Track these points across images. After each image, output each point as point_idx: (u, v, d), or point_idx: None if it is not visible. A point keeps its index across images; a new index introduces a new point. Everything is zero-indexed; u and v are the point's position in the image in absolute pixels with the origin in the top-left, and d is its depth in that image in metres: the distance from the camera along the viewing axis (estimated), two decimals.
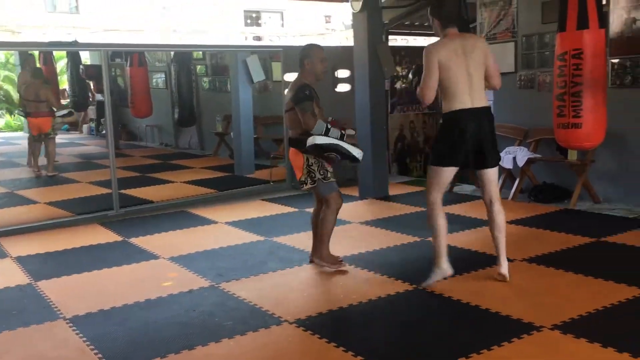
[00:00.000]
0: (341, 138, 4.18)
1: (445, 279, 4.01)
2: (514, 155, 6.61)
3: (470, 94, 3.84)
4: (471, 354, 3.01)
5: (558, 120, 4.99)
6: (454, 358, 2.98)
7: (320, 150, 4.17)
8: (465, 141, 3.83)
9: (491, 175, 3.99)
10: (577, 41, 4.81)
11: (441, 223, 3.95)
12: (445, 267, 3.98)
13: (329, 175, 4.32)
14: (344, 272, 4.36)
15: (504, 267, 4.00)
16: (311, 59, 4.32)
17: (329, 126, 4.19)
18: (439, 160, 3.93)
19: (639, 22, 5.79)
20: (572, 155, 6.21)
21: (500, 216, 3.98)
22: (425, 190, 4.05)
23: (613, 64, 5.98)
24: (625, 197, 6.12)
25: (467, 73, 3.83)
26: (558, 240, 4.97)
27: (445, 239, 3.97)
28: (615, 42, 5.94)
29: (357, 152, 4.20)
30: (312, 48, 4.43)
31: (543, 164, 6.64)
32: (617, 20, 5.94)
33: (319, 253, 4.44)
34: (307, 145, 4.13)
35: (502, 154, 6.73)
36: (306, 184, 4.34)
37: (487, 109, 3.93)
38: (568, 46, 4.83)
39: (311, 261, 4.59)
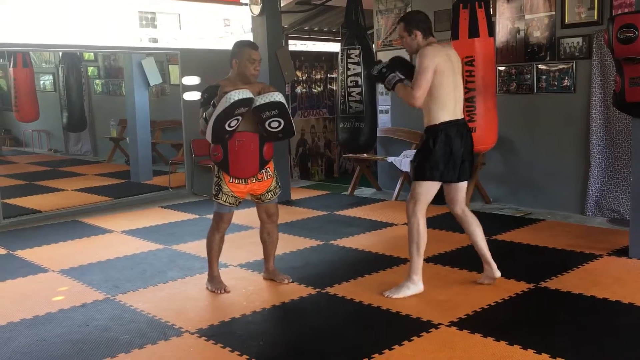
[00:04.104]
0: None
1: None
2: (411, 159, 6.81)
3: (456, 105, 3.72)
4: (373, 355, 3.04)
5: None
6: None
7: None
8: (454, 153, 3.70)
9: (464, 185, 3.89)
10: (469, 49, 5.04)
11: (425, 239, 3.78)
12: (421, 285, 3.84)
13: (220, 195, 3.90)
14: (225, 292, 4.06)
15: (496, 270, 3.91)
16: (239, 59, 3.78)
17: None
18: (431, 175, 3.72)
19: (522, 32, 6.17)
20: None
21: (477, 223, 3.87)
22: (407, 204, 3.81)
23: (500, 71, 6.34)
24: (513, 197, 6.50)
25: (454, 83, 3.69)
26: (452, 240, 5.18)
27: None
28: (501, 51, 6.31)
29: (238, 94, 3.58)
30: (240, 46, 3.82)
31: None
32: (502, 30, 6.30)
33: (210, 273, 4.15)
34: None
35: (399, 158, 6.97)
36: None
37: (466, 121, 3.87)
38: (461, 54, 5.01)
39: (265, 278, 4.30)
